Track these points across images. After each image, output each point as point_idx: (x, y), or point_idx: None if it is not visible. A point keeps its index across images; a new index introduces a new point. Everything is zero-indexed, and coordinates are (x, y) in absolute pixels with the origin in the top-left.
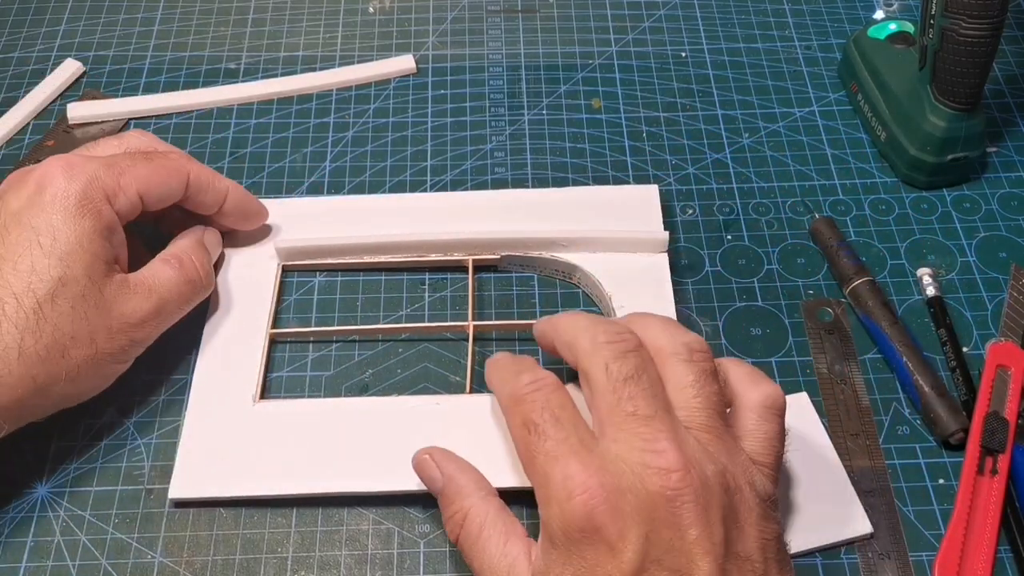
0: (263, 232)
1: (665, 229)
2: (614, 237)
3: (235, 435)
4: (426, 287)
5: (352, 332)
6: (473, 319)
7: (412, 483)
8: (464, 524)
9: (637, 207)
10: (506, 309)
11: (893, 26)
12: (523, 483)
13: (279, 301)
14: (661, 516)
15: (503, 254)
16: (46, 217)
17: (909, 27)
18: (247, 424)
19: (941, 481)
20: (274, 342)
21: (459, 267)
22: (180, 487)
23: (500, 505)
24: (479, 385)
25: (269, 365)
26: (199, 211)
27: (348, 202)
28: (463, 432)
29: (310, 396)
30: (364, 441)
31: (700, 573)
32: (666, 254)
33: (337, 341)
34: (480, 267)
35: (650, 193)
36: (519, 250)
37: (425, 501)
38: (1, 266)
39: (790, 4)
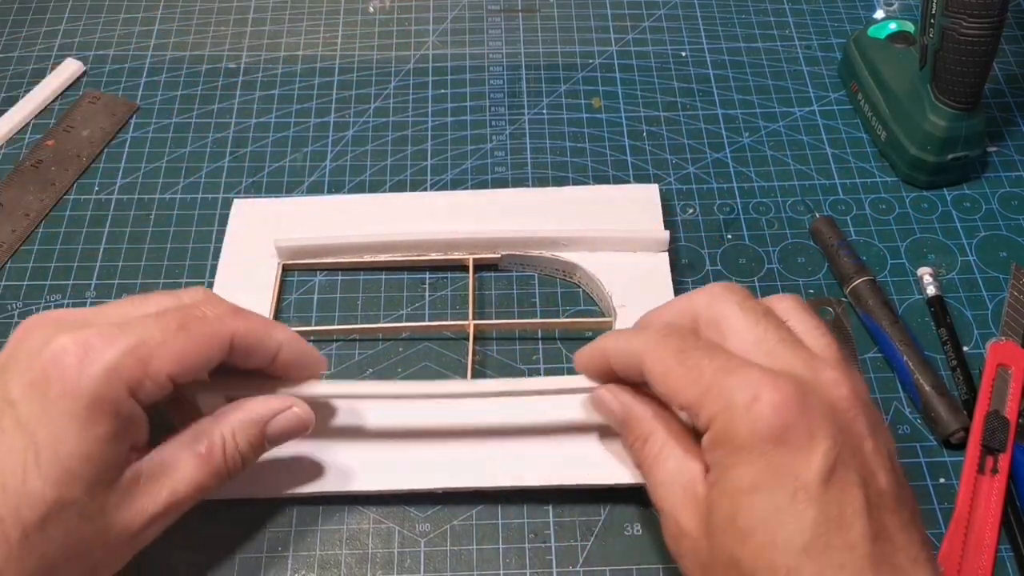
0: (264, 231)
1: (665, 228)
2: (614, 236)
3: None
4: (426, 286)
5: (352, 331)
6: (473, 318)
7: (414, 482)
8: (646, 446)
9: (638, 206)
10: (507, 308)
11: (893, 25)
12: (535, 483)
13: (279, 300)
14: (843, 423)
15: (504, 253)
16: (49, 421)
17: (909, 27)
18: None
19: (942, 480)
20: None
21: (460, 266)
22: None
23: (681, 428)
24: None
25: None
26: (246, 367)
27: (348, 201)
28: (465, 428)
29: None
30: (366, 439)
31: (881, 482)
32: (666, 253)
33: (337, 340)
34: (480, 266)
35: (650, 192)
36: (520, 249)
37: (425, 500)
38: None
39: (790, 4)
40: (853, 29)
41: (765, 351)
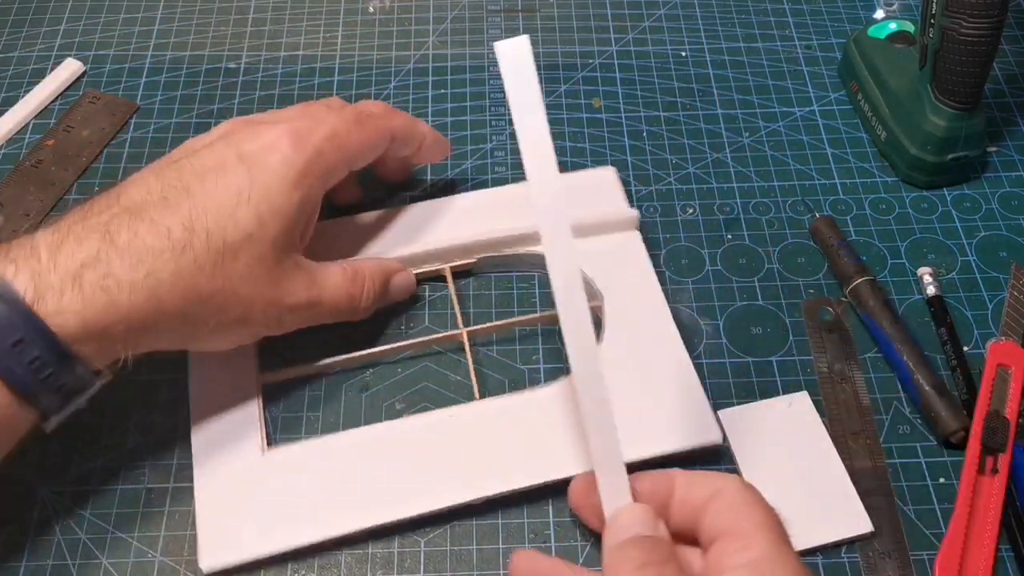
0: None
1: (632, 207)
2: (584, 222)
3: (251, 490)
4: (417, 302)
5: (343, 363)
6: (464, 326)
7: (443, 500)
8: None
9: (599, 189)
10: (495, 309)
11: (893, 25)
12: (537, 480)
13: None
14: None
15: (479, 257)
16: (266, 176)
17: (909, 27)
18: (260, 476)
19: (942, 480)
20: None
21: (439, 277)
22: (210, 557)
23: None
24: (487, 391)
25: (265, 401)
26: (399, 155)
27: (326, 226)
28: (480, 440)
29: (312, 433)
30: (386, 468)
31: None
32: (638, 231)
33: (337, 372)
34: (459, 273)
35: (608, 174)
36: (494, 251)
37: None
38: (211, 196)
39: (790, 4)
40: (853, 29)
41: None
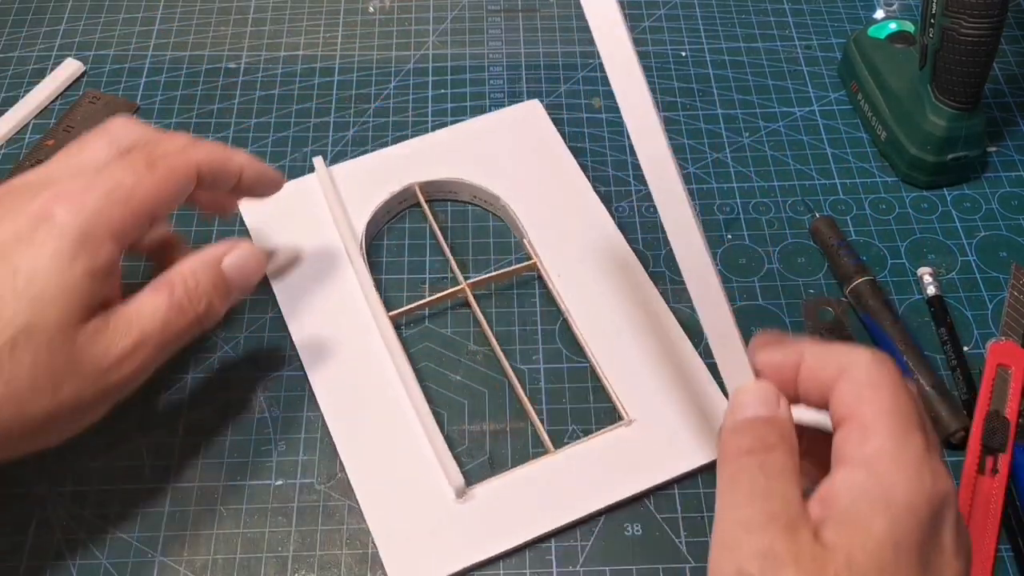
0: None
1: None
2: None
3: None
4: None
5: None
6: (465, 282)
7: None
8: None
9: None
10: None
11: (893, 25)
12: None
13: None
14: None
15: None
16: (32, 256)
17: (909, 26)
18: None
19: None
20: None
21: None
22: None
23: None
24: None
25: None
26: (213, 192)
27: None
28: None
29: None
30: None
31: None
32: (537, 101)
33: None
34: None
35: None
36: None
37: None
38: None
39: (790, 4)
40: (853, 29)
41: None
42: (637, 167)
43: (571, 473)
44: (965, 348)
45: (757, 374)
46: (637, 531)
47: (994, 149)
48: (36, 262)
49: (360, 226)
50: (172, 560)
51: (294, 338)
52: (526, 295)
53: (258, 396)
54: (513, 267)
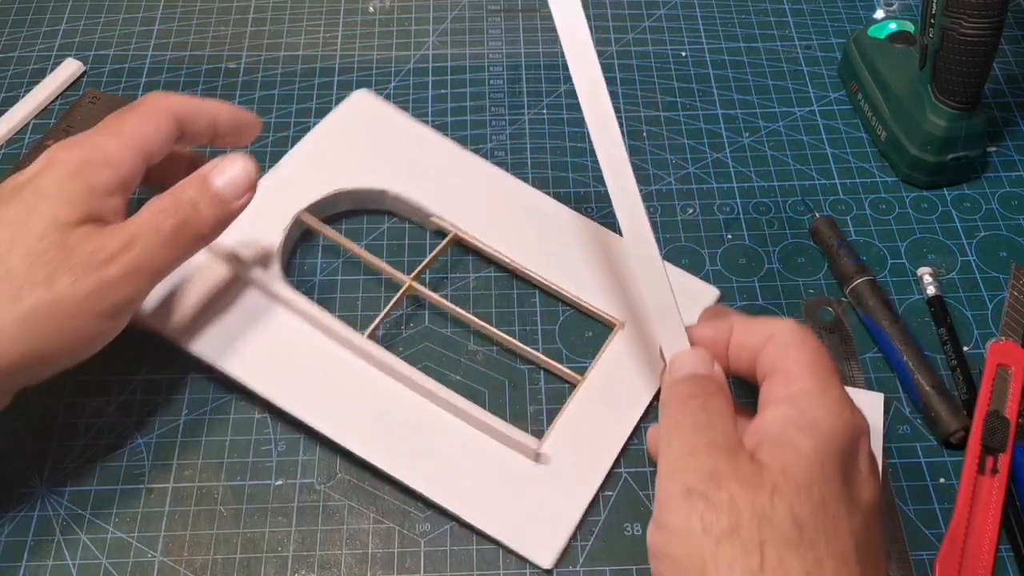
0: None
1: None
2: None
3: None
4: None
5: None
6: (415, 279)
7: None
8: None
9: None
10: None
11: (893, 25)
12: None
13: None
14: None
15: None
16: (38, 179)
17: (909, 26)
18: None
19: (942, 480)
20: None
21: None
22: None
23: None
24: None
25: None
26: (196, 143)
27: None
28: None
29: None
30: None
31: None
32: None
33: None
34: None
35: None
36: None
37: (425, 500)
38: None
39: (790, 4)
40: (853, 29)
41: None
42: (637, 166)
43: (606, 392)
44: (965, 348)
45: (693, 344)
46: (637, 531)
47: (994, 149)
48: (40, 180)
49: (277, 269)
50: (172, 560)
51: (252, 386)
52: (526, 295)
53: (258, 396)
54: (438, 247)
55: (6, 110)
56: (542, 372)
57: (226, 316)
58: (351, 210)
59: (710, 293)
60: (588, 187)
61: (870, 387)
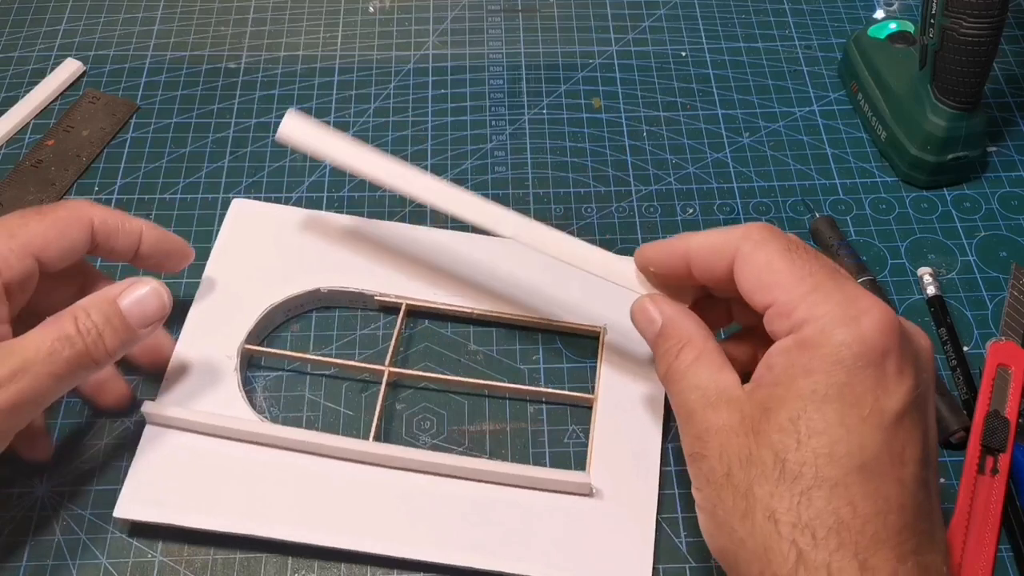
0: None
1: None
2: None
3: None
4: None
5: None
6: (391, 364)
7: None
8: (680, 354)
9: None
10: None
11: (893, 25)
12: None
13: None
14: (925, 372)
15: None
16: None
17: (909, 27)
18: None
19: (942, 480)
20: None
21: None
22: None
23: (717, 347)
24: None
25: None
26: (113, 260)
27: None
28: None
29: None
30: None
31: (932, 439)
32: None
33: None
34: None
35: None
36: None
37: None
38: None
39: (790, 4)
40: (853, 29)
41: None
42: (637, 167)
43: (623, 399)
44: (965, 348)
45: (650, 275)
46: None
47: (994, 149)
48: None
49: (243, 407)
50: (172, 560)
51: None
52: (502, 337)
53: (258, 396)
54: (398, 323)
55: (6, 110)
56: (542, 373)
57: (213, 474)
58: (292, 317)
59: None
60: (588, 187)
61: None
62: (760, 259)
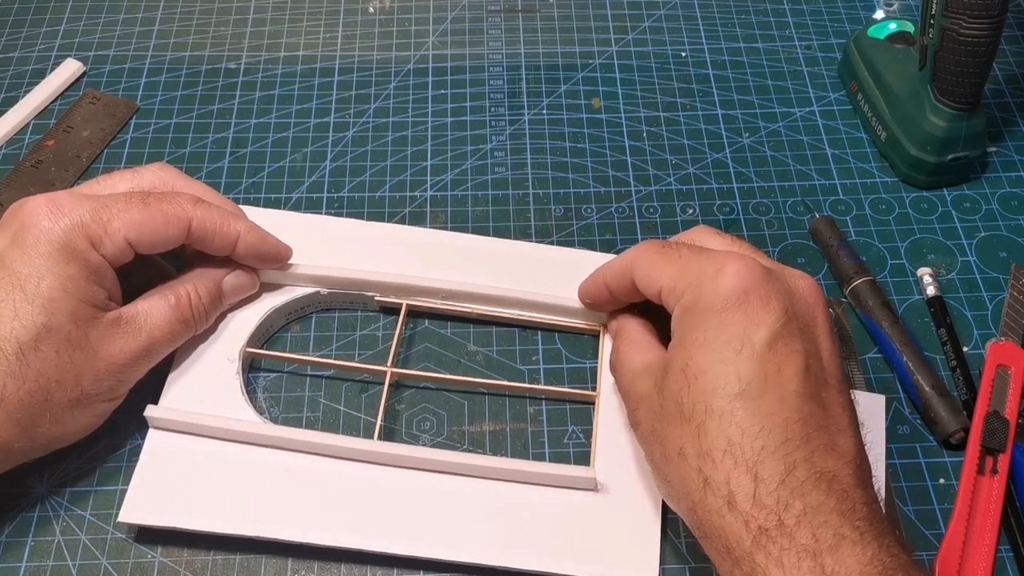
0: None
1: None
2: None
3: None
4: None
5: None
6: (393, 365)
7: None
8: (618, 346)
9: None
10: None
11: (893, 26)
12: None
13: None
14: (799, 305)
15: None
16: (29, 260)
17: (909, 27)
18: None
19: (941, 481)
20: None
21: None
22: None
23: (653, 340)
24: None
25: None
26: (209, 253)
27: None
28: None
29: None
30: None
31: (826, 360)
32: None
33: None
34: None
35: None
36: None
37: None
38: None
39: (790, 4)
40: (853, 29)
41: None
42: (637, 167)
43: (623, 406)
44: (965, 348)
45: (588, 305)
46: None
47: (994, 149)
48: (35, 265)
49: (248, 412)
50: (172, 560)
51: None
52: (503, 337)
53: (259, 397)
54: (399, 325)
55: (6, 110)
56: (542, 373)
57: (219, 478)
58: (292, 320)
59: None
60: (588, 188)
61: (870, 387)
62: (645, 263)
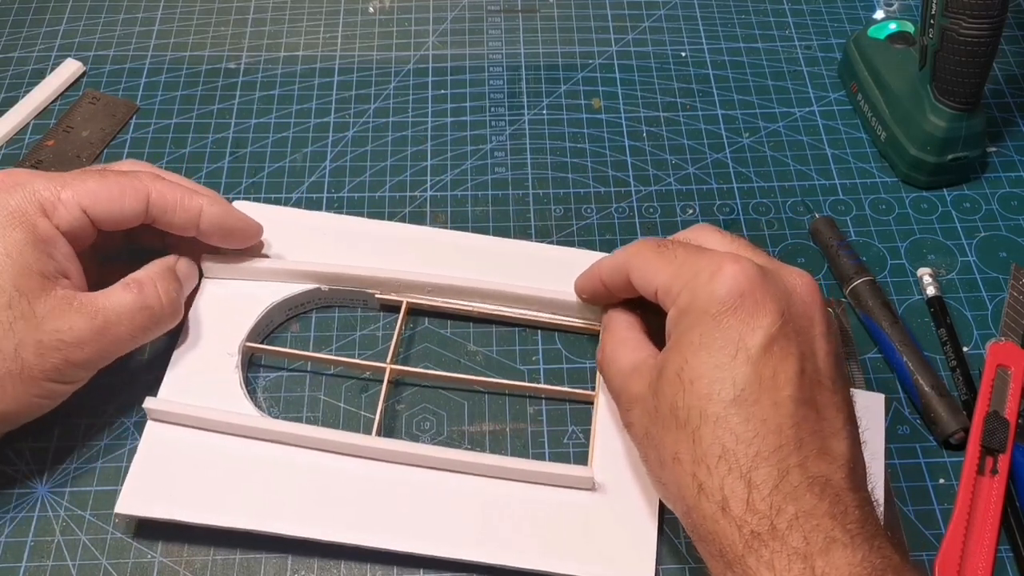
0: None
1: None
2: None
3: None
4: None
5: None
6: (392, 362)
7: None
8: (605, 343)
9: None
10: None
11: (893, 26)
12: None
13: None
14: (796, 306)
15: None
16: None
17: (909, 27)
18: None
19: (941, 481)
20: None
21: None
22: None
23: (645, 338)
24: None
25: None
26: (174, 232)
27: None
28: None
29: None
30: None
31: (821, 362)
32: None
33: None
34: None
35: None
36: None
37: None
38: None
39: (790, 4)
40: (853, 29)
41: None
42: (637, 167)
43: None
44: (965, 348)
45: (584, 300)
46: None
47: (994, 149)
48: None
49: (247, 406)
50: (172, 560)
51: None
52: (503, 336)
53: (258, 396)
54: (399, 322)
55: (6, 110)
56: (542, 373)
57: (216, 470)
58: (292, 316)
59: None
60: (588, 188)
61: (870, 387)
62: (640, 262)
